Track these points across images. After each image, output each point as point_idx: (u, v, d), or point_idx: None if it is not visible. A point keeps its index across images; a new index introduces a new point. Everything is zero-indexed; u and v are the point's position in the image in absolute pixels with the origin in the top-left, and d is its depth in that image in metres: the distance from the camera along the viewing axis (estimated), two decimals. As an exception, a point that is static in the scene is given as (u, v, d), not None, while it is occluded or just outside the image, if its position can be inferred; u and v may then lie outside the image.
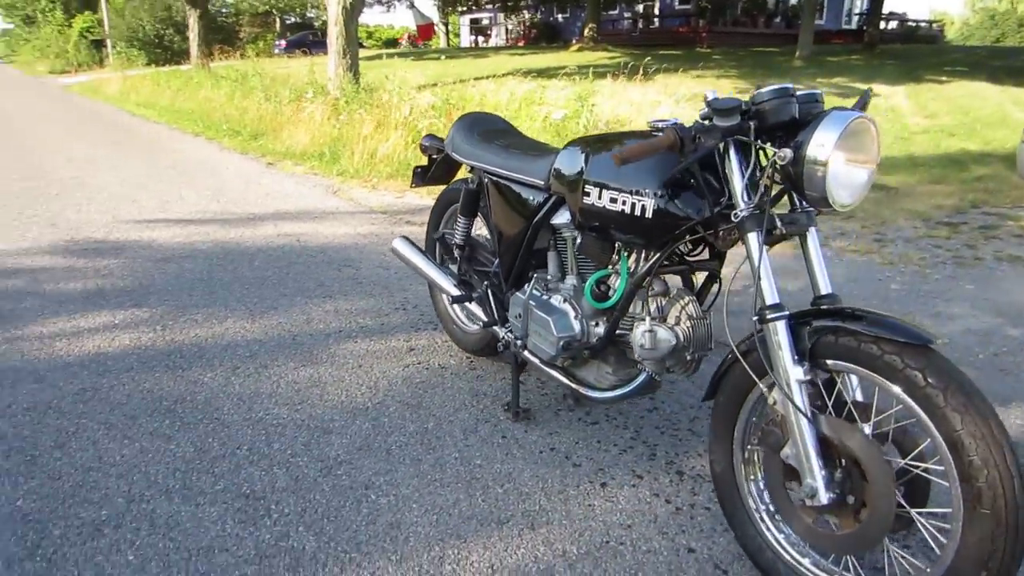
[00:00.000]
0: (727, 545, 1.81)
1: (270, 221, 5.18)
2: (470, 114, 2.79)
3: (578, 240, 2.05)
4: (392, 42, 46.75)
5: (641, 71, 10.92)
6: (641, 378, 1.96)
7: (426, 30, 27.78)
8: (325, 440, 2.29)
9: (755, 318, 1.55)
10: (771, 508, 1.67)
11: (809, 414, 1.48)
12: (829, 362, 1.51)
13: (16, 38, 58.19)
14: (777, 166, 1.50)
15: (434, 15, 37.09)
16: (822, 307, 1.56)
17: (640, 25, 32.32)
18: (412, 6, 27.75)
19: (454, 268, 2.79)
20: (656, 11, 32.58)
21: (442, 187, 2.96)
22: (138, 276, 3.87)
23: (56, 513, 1.91)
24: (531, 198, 2.24)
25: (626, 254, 1.93)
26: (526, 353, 2.27)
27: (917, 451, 1.41)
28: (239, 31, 43.74)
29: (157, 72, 20.21)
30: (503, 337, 2.39)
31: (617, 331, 1.98)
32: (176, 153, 8.59)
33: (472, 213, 2.64)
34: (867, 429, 1.46)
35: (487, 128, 2.64)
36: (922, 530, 1.44)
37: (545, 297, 2.20)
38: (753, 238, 1.56)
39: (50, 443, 2.24)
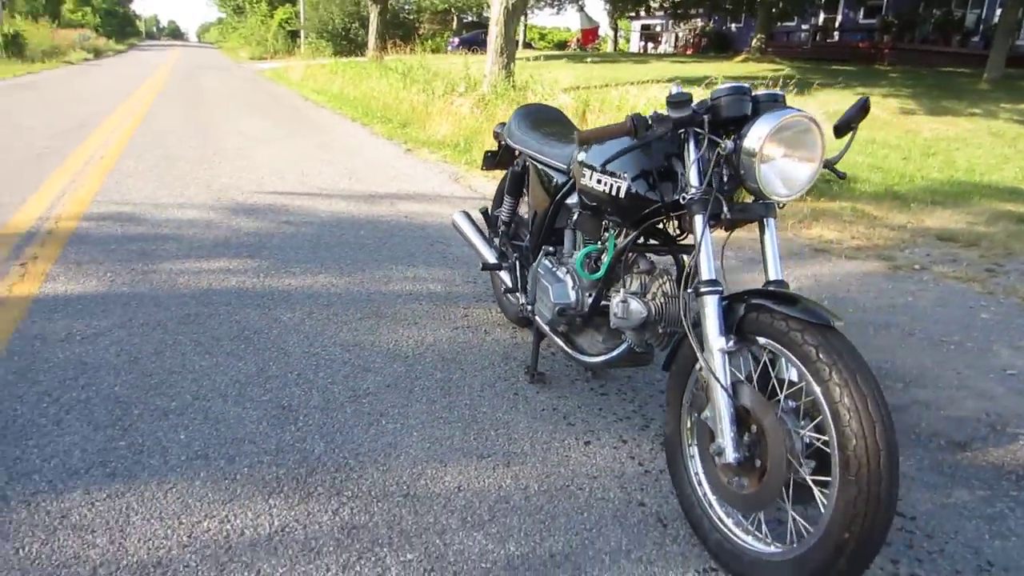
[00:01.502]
0: (678, 506, 1.96)
1: (388, 199, 5.69)
2: (527, 105, 3.05)
3: (575, 216, 2.27)
4: (562, 44, 47.57)
5: (801, 85, 10.61)
6: (623, 347, 2.14)
7: (590, 34, 28.10)
8: (362, 376, 2.64)
9: (690, 291, 1.71)
10: (701, 469, 1.82)
11: (726, 381, 1.62)
12: (760, 339, 1.64)
13: (227, 26, 64.79)
14: (721, 156, 1.65)
15: (604, 20, 37.38)
16: (755, 288, 1.69)
17: (816, 38, 30.80)
18: (580, 9, 28.13)
19: (498, 242, 3.07)
20: (836, 24, 30.91)
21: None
22: (260, 234, 4.46)
23: (139, 399, 2.39)
24: (556, 180, 2.48)
25: (613, 231, 2.13)
26: (537, 318, 2.51)
27: (813, 424, 1.53)
28: (419, 27, 46.32)
29: (336, 62, 21.95)
30: (521, 303, 2.65)
31: (603, 302, 2.18)
32: (329, 134, 9.46)
33: (516, 193, 2.90)
34: (786, 402, 1.59)
35: (539, 118, 2.89)
36: (817, 497, 1.54)
37: (552, 268, 2.43)
38: (698, 219, 1.72)
39: (151, 350, 2.76)
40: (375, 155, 7.95)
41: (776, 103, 1.72)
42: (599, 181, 2.01)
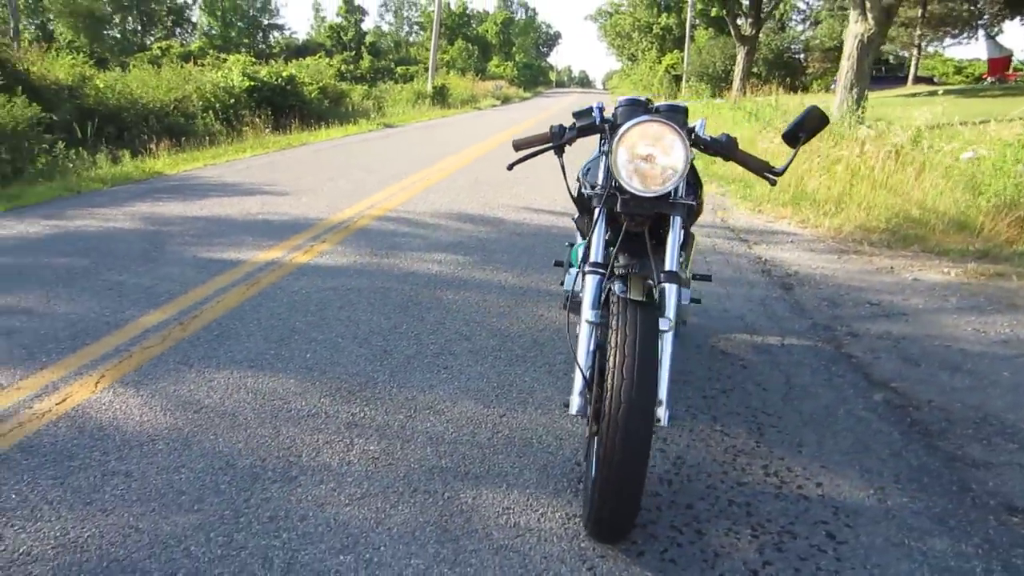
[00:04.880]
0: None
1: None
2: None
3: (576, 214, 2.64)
4: (979, 78, 41.43)
5: None
6: None
7: (1000, 64, 24.19)
8: (458, 342, 3.31)
9: (579, 269, 2.04)
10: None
11: (586, 344, 1.92)
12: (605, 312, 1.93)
13: (622, 74, 70.01)
14: (607, 155, 1.97)
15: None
16: (621, 274, 1.95)
17: None
18: (990, 36, 24.46)
19: None
20: None
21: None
22: (487, 239, 5.38)
23: (304, 331, 3.40)
24: None
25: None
26: None
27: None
28: (805, 66, 44.63)
29: (698, 101, 22.63)
30: None
31: None
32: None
33: None
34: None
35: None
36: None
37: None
38: (596, 210, 2.04)
39: (337, 304, 3.80)
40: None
41: (677, 113, 1.97)
42: (577, 181, 2.42)
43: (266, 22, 48.58)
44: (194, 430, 2.46)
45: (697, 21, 41.98)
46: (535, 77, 67.22)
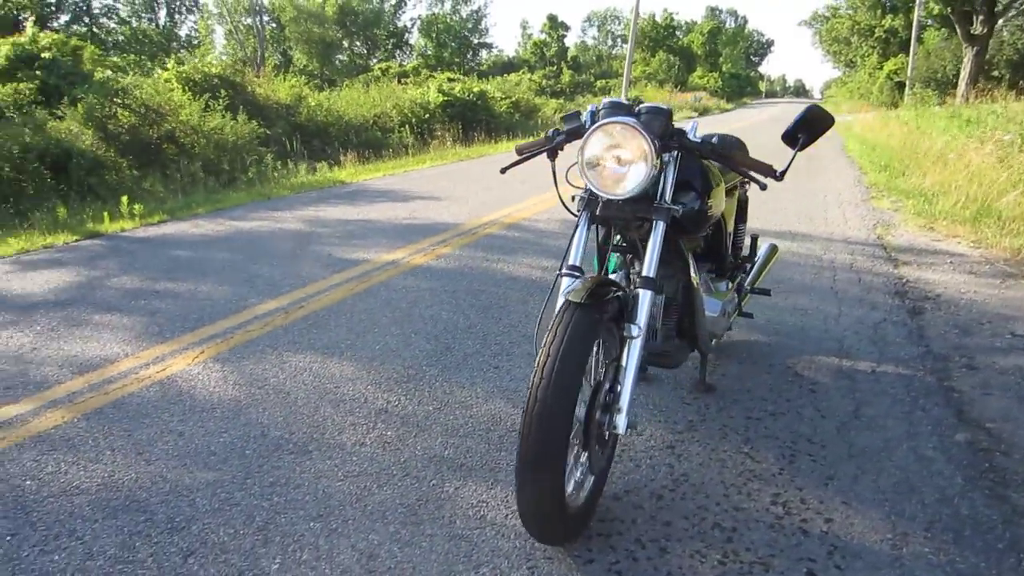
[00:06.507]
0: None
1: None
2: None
3: None
4: None
5: None
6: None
7: None
8: (520, 344, 3.40)
9: (558, 273, 2.05)
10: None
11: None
12: None
13: (838, 82, 65.16)
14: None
15: None
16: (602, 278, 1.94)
17: None
18: None
19: None
20: None
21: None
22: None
23: (389, 322, 3.66)
24: None
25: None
26: None
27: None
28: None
29: (914, 109, 20.56)
30: None
31: None
32: (820, 180, 9.53)
33: None
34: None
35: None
36: None
37: None
38: (579, 216, 2.05)
39: (428, 302, 4.03)
40: (826, 197, 7.87)
41: (659, 115, 1.93)
42: None
43: (476, 41, 51.40)
44: (249, 403, 2.78)
45: (929, 21, 38.01)
46: (741, 87, 64.59)
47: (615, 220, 2.09)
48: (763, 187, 2.05)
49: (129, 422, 2.63)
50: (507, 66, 46.72)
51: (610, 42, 72.89)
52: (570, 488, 1.99)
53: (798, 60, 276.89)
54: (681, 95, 39.68)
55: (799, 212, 7.00)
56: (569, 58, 50.12)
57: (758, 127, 23.00)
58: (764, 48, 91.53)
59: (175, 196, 8.94)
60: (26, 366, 3.16)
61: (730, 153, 2.02)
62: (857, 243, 5.71)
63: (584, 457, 1.94)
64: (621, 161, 1.89)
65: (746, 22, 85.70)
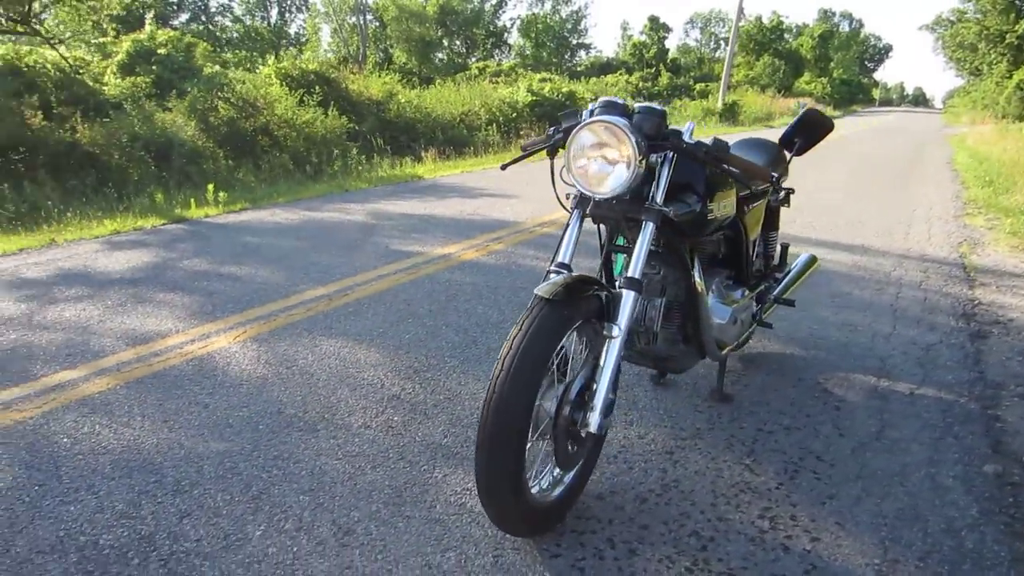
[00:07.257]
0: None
1: (825, 245, 5.65)
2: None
3: None
4: None
5: None
6: None
7: None
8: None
9: (547, 270, 2.07)
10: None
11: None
12: None
13: (961, 91, 61.22)
14: (571, 159, 1.99)
15: None
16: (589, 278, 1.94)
17: None
18: None
19: None
20: None
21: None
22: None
23: (423, 311, 3.76)
24: None
25: None
26: None
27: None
28: None
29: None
30: None
31: None
32: (912, 191, 9.05)
33: None
34: None
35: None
36: None
37: None
38: (571, 214, 2.06)
39: (464, 295, 4.10)
40: (912, 211, 7.46)
41: (652, 115, 1.93)
42: None
43: (575, 42, 51.32)
44: (274, 381, 2.93)
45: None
46: (852, 94, 61.66)
47: (607, 219, 2.09)
48: (750, 190, 1.99)
49: (163, 392, 2.82)
50: (605, 67, 46.40)
51: (713, 44, 71.17)
52: (544, 484, 2.01)
53: (919, 67, 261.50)
54: (783, 101, 38.27)
55: (879, 225, 6.67)
56: (669, 60, 49.22)
57: (839, 143, 21.96)
58: (881, 53, 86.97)
59: (263, 186, 9.42)
60: (90, 336, 3.44)
61: (725, 156, 1.98)
62: (934, 261, 5.40)
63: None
64: (608, 160, 1.90)
65: (861, 25, 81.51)
